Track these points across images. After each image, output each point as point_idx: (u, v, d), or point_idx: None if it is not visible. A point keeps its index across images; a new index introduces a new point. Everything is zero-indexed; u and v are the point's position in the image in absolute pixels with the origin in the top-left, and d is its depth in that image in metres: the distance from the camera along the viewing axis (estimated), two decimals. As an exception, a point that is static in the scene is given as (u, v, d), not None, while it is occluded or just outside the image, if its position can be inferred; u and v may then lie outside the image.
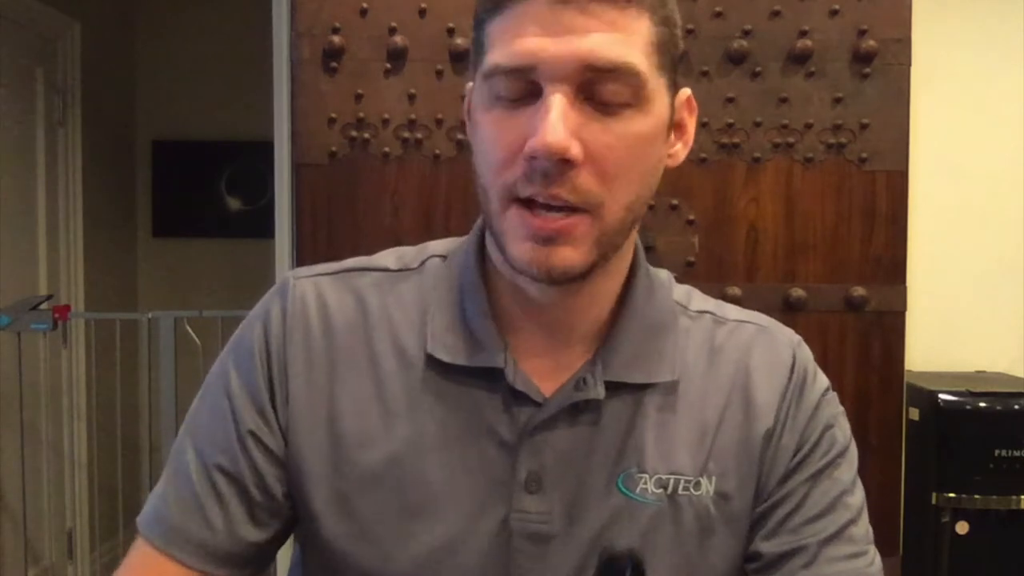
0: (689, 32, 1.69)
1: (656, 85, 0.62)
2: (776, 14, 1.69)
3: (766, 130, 1.71)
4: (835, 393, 0.74)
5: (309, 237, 1.72)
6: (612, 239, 0.63)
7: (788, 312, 1.69)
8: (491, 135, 0.62)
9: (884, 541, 1.77)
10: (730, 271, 1.71)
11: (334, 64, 1.70)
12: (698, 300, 0.76)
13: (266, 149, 1.98)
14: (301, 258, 1.73)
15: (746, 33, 1.69)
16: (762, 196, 1.71)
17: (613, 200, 0.61)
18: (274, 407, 0.69)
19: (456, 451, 0.67)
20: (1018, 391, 1.73)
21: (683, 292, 0.76)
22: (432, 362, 0.68)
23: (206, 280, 3.54)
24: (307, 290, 0.72)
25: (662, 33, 0.62)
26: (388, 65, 1.71)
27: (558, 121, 0.58)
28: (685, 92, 0.68)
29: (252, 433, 0.68)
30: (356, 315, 0.71)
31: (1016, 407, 1.69)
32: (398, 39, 1.69)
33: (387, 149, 1.71)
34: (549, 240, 0.60)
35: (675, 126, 0.67)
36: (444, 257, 0.74)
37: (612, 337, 0.69)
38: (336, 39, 1.69)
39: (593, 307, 0.69)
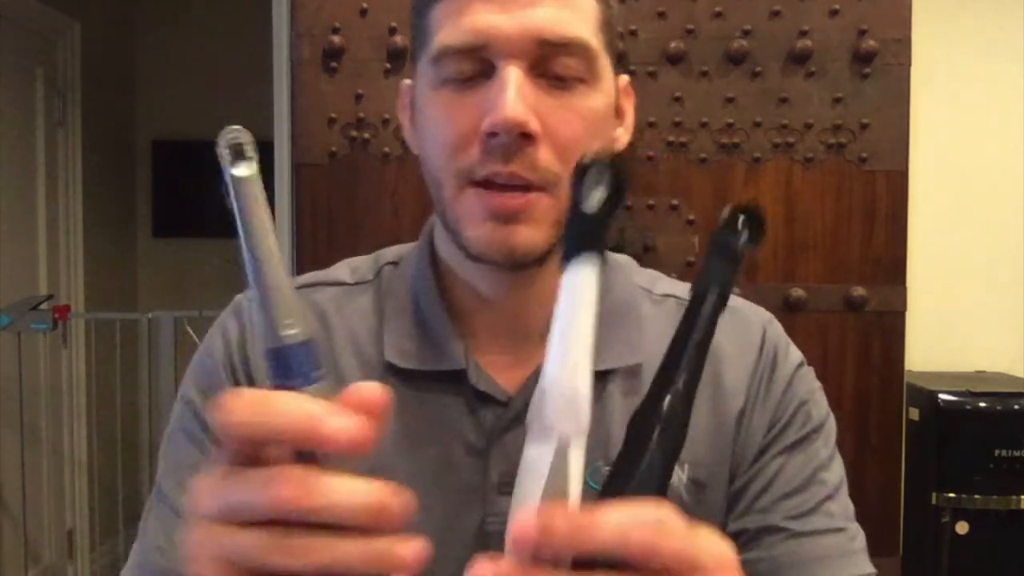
0: (689, 32, 1.69)
1: (604, 63, 0.62)
2: (776, 14, 1.69)
3: (766, 130, 1.71)
4: (811, 368, 0.72)
5: (309, 237, 1.72)
6: None
7: (788, 312, 1.69)
8: (442, 118, 0.61)
9: (884, 541, 1.77)
10: (730, 271, 1.71)
11: (334, 64, 1.70)
12: (663, 284, 0.74)
13: (266, 149, 1.97)
14: (301, 258, 1.73)
15: (746, 33, 1.69)
16: (762, 196, 1.71)
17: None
18: None
19: (424, 459, 0.65)
20: (1018, 391, 1.73)
21: (647, 276, 0.74)
22: (391, 370, 0.66)
23: (206, 280, 3.54)
24: None
25: (605, 12, 0.63)
26: (388, 65, 1.71)
27: (516, 95, 0.57)
28: (624, 78, 0.68)
29: None
30: (317, 332, 0.67)
31: (1016, 407, 1.69)
32: (398, 39, 1.69)
33: (387, 149, 1.71)
34: (510, 218, 0.59)
35: (616, 111, 0.66)
36: (396, 263, 0.72)
37: None
38: (336, 39, 1.69)
39: (549, 297, 0.65)
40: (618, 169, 0.43)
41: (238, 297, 0.71)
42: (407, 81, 0.68)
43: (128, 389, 3.17)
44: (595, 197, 0.42)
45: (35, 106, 2.92)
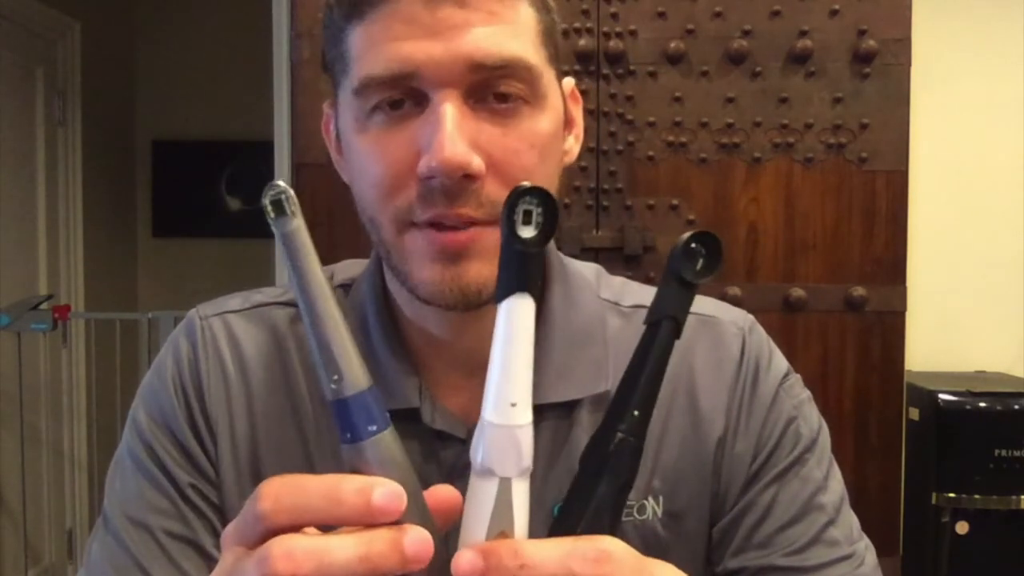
0: (689, 32, 1.69)
1: (548, 79, 0.57)
2: (776, 14, 1.69)
3: (766, 130, 1.71)
4: (798, 376, 0.67)
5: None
6: None
7: (788, 312, 1.69)
8: (372, 156, 0.55)
9: (884, 541, 1.77)
10: (730, 271, 1.71)
11: (334, 64, 1.70)
12: (633, 293, 0.68)
13: (266, 149, 1.98)
14: (301, 258, 1.73)
15: (746, 33, 1.69)
16: (762, 196, 1.71)
17: None
18: (206, 455, 0.63)
19: None
20: (1018, 391, 1.73)
21: (615, 287, 0.69)
22: None
23: (206, 280, 3.54)
24: (217, 330, 0.65)
25: (545, 20, 0.57)
26: (388, 65, 1.70)
27: (454, 133, 0.52)
28: (569, 82, 0.63)
29: (193, 486, 0.62)
30: (273, 356, 0.64)
31: (1016, 407, 1.69)
32: (398, 39, 1.69)
33: (387, 149, 1.71)
34: (459, 256, 0.54)
35: (565, 121, 0.61)
36: (348, 287, 0.67)
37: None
38: (336, 39, 1.69)
39: None
40: (549, 202, 0.42)
41: (191, 313, 0.68)
42: (328, 103, 0.63)
43: (128, 389, 3.17)
44: (527, 232, 0.42)
45: (35, 106, 2.92)
